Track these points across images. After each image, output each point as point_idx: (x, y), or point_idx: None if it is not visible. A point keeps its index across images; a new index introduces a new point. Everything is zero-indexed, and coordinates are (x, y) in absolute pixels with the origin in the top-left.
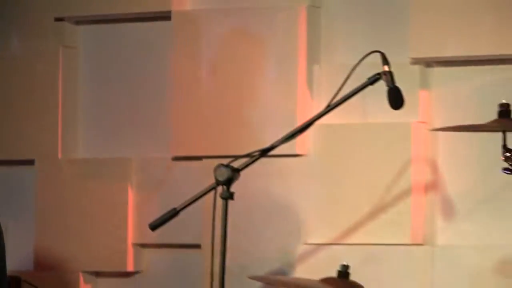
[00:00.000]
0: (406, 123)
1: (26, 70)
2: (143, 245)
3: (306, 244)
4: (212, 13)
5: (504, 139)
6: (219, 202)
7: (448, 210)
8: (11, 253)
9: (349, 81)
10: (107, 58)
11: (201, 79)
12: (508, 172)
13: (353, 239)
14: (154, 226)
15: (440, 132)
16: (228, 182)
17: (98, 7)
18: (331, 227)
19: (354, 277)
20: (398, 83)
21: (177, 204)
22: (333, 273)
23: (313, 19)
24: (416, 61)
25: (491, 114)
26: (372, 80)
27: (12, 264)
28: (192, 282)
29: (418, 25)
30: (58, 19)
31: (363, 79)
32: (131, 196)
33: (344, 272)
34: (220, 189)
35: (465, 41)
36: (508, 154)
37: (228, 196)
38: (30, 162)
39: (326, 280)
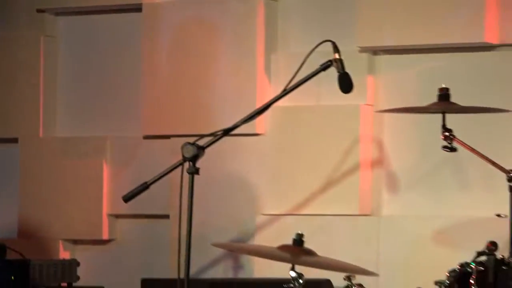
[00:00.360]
0: (354, 106)
1: (10, 57)
2: (117, 216)
3: (263, 214)
4: (178, 4)
5: (444, 120)
6: (186, 176)
7: (393, 184)
8: None
9: (303, 68)
10: (84, 46)
11: (169, 65)
12: (446, 149)
13: (307, 210)
14: (127, 198)
15: (386, 114)
16: (194, 158)
17: (77, 0)
18: (286, 200)
19: (308, 244)
20: (347, 69)
21: (147, 178)
22: (289, 241)
23: (270, 11)
24: (363, 50)
25: (432, 97)
26: (324, 67)
27: None
28: (161, 249)
29: (365, 17)
30: (40, 11)
31: (316, 66)
32: (106, 171)
33: (298, 240)
34: (186, 165)
35: (407, 31)
36: (447, 134)
37: (194, 171)
38: (14, 140)
39: (283, 247)
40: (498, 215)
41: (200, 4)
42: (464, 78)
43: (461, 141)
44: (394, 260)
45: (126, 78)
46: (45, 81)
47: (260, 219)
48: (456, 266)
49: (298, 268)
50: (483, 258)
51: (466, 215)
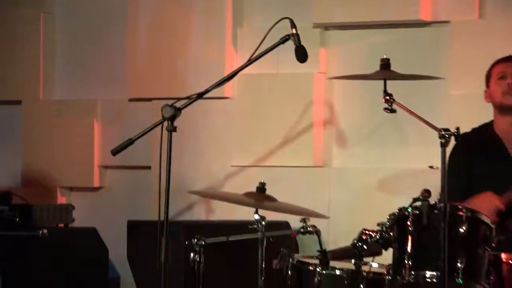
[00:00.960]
0: (309, 73)
1: (13, 32)
2: (106, 167)
3: (232, 166)
4: None
5: (385, 86)
6: (165, 134)
7: (342, 140)
8: (3, 173)
9: (265, 40)
10: (78, 21)
11: (150, 38)
12: (387, 111)
13: (269, 162)
14: (114, 152)
15: (336, 80)
16: (172, 118)
17: None
18: (251, 153)
19: (269, 192)
20: (303, 42)
21: (132, 135)
22: (253, 189)
23: None
24: (316, 26)
25: (375, 67)
26: (283, 40)
27: (4, 182)
28: (144, 195)
29: None
30: None
31: (276, 39)
32: (97, 129)
33: (261, 188)
34: (166, 123)
35: (354, 10)
36: (387, 97)
37: (172, 129)
38: (18, 103)
39: (248, 194)
40: (431, 167)
41: None
42: (402, 50)
43: (399, 103)
44: (343, 205)
45: (114, 49)
46: (44, 52)
47: (228, 170)
48: (395, 210)
49: (261, 212)
50: (418, 203)
51: (404, 167)
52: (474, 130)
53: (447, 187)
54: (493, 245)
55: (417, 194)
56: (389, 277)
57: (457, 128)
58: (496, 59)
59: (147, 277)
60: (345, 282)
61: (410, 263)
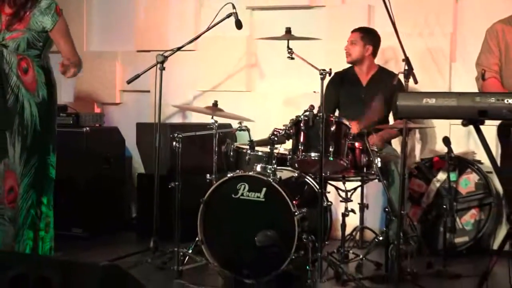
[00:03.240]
0: (243, 36)
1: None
2: (124, 90)
3: (198, 90)
4: None
5: (288, 44)
6: (159, 71)
7: (263, 73)
8: (61, 93)
9: (218, 16)
10: None
11: (149, 8)
12: (290, 58)
13: (219, 88)
14: (129, 81)
15: (260, 40)
16: (162, 62)
17: None
18: (208, 82)
19: (220, 105)
20: (240, 17)
21: (139, 71)
22: (211, 104)
23: None
24: (248, 8)
25: (283, 32)
26: (228, 16)
27: (62, 98)
28: (146, 108)
29: None
30: None
31: (224, 14)
32: (118, 68)
33: (215, 104)
34: (159, 65)
35: None
36: (289, 50)
37: (162, 69)
38: None
39: (207, 107)
40: (315, 92)
41: None
42: (300, 22)
43: (296, 54)
44: (263, 115)
45: (127, 15)
46: (87, 15)
47: (196, 93)
48: (293, 117)
49: (215, 118)
50: (307, 113)
51: (300, 90)
52: (343, 70)
53: (324, 104)
54: (350, 137)
55: (306, 107)
56: (290, 156)
57: (330, 69)
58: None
59: (148, 156)
60: (264, 159)
61: (302, 148)
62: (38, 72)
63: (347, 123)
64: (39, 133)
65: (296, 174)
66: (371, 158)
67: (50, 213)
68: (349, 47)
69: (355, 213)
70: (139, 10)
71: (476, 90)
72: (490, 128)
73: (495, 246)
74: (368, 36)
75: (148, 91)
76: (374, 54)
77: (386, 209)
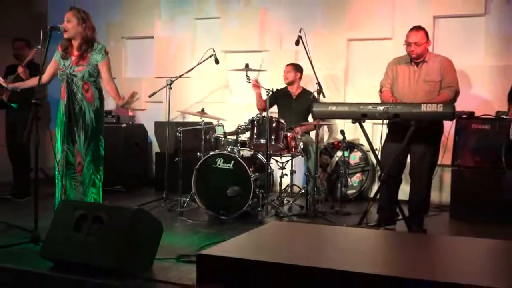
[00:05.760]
0: (220, 68)
1: None
2: (147, 101)
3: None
4: None
5: (247, 73)
6: (168, 90)
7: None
8: (108, 102)
9: (205, 56)
10: None
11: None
12: (248, 81)
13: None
14: (150, 96)
15: (230, 71)
16: (170, 84)
17: None
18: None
19: (206, 110)
20: (218, 57)
21: (155, 90)
22: (200, 109)
23: None
24: (223, 51)
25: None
26: (210, 56)
27: (108, 106)
28: (160, 113)
29: None
30: None
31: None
32: (144, 88)
33: (203, 110)
34: (168, 86)
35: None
36: (247, 77)
37: (170, 86)
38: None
39: (198, 112)
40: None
41: None
42: (254, 60)
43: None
44: (232, 116)
45: (149, 53)
46: (124, 54)
47: (191, 103)
48: (250, 118)
49: (203, 118)
50: (258, 115)
51: (254, 101)
52: (281, 88)
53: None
54: (285, 130)
55: (258, 112)
56: (248, 141)
57: (272, 88)
58: None
59: (162, 141)
60: (232, 143)
61: (255, 136)
62: (94, 91)
63: (282, 121)
64: (94, 129)
65: (252, 152)
66: (297, 142)
67: (101, 177)
68: (286, 74)
69: (287, 176)
70: (156, 52)
71: (360, 101)
72: (368, 125)
73: (371, 195)
74: (297, 68)
75: (162, 102)
76: (300, 79)
77: (306, 174)
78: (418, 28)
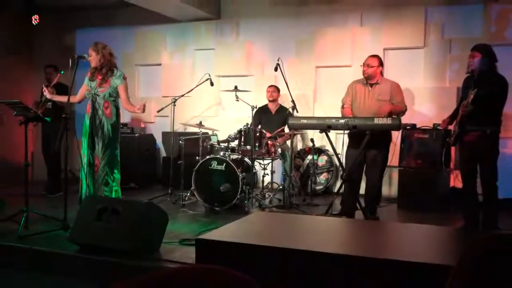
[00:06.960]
0: (214, 89)
1: None
2: (156, 116)
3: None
4: None
5: (236, 93)
6: (173, 106)
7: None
8: (124, 116)
9: (202, 79)
10: None
11: None
12: (236, 100)
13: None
14: (158, 111)
15: (223, 92)
16: (175, 102)
17: None
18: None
19: (204, 123)
20: (213, 80)
21: (163, 106)
22: (198, 122)
23: None
24: (217, 75)
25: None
26: (206, 79)
27: (124, 119)
28: (166, 125)
29: None
30: None
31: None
32: (153, 105)
33: (200, 122)
34: (173, 103)
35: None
36: (236, 96)
37: (174, 103)
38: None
39: (196, 124)
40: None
41: None
42: (242, 83)
43: (240, 98)
44: (224, 127)
45: (157, 76)
46: (137, 78)
47: (191, 117)
48: (239, 128)
49: (201, 129)
50: (245, 127)
51: (242, 115)
52: (263, 105)
53: (253, 122)
54: (267, 138)
55: (245, 124)
56: (237, 148)
57: (256, 105)
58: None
59: (168, 148)
60: (224, 149)
61: (242, 144)
62: (113, 108)
63: (264, 131)
64: (111, 138)
65: (240, 156)
66: (276, 148)
67: (118, 177)
68: (272, 93)
69: (268, 175)
70: (163, 76)
71: (326, 116)
72: (333, 134)
73: (335, 190)
74: (278, 89)
75: (167, 116)
76: (278, 97)
77: (283, 173)
78: (373, 55)
